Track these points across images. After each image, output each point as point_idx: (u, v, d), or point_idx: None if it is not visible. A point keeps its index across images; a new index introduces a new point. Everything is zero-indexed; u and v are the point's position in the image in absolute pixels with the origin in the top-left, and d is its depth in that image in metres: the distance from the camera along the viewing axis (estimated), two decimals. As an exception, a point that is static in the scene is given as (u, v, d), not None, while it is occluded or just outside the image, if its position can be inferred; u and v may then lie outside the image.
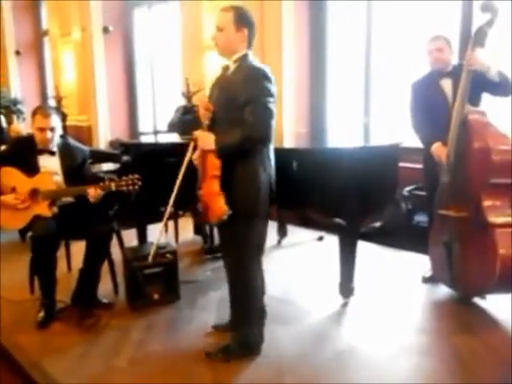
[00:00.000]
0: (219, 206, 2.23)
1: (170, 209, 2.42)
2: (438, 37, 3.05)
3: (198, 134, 2.33)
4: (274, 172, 2.40)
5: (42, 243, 2.76)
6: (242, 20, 2.32)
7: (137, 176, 2.81)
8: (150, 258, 2.39)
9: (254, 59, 2.35)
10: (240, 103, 2.22)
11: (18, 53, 8.75)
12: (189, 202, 3.69)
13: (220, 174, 2.25)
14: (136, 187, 2.80)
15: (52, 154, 2.98)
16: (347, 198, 2.71)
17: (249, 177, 2.29)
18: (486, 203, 2.77)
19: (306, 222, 4.33)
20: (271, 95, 2.24)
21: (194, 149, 2.36)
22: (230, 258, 2.45)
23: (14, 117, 8.22)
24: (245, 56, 2.33)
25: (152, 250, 2.43)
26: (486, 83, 2.86)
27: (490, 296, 2.93)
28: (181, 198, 3.51)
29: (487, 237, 2.74)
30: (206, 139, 2.29)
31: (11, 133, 6.70)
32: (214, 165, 2.26)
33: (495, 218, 2.74)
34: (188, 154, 2.35)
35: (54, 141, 2.96)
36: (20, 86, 8.81)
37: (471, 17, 3.76)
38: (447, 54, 3.05)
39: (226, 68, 2.40)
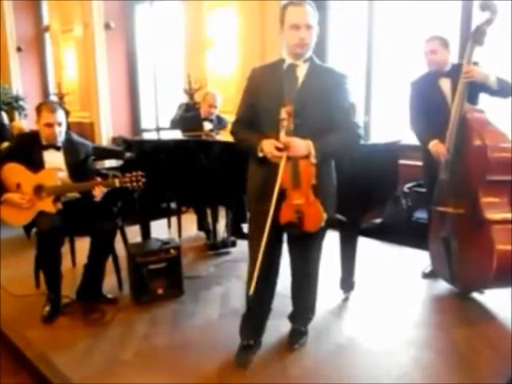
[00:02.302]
0: (319, 214, 2.14)
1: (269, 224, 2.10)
2: (433, 38, 3.03)
3: (288, 140, 2.08)
4: None
5: (47, 239, 2.78)
6: (317, 19, 2.19)
7: (141, 173, 2.82)
8: (252, 291, 2.14)
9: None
10: (336, 107, 2.17)
11: (19, 49, 8.75)
12: (192, 199, 3.76)
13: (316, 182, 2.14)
14: (140, 184, 2.81)
15: (57, 149, 2.99)
16: (348, 195, 2.73)
17: (332, 181, 2.31)
18: (483, 200, 2.80)
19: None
20: None
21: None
22: (312, 259, 2.42)
23: (16, 113, 8.23)
24: (312, 55, 2.23)
25: (253, 282, 2.15)
26: (485, 89, 2.89)
27: (489, 290, 2.96)
28: (184, 195, 3.57)
29: (484, 233, 2.77)
30: (300, 146, 2.09)
31: (13, 129, 6.71)
32: (311, 172, 2.12)
33: (492, 215, 2.77)
34: (282, 165, 2.08)
35: (61, 136, 2.97)
36: (21, 83, 8.82)
37: (471, 16, 3.78)
38: (442, 56, 3.02)
39: (293, 67, 2.19)
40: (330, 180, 2.29)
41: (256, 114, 2.24)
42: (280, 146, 2.08)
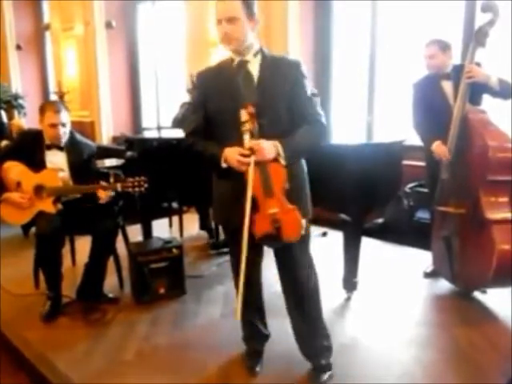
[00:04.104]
0: (297, 221, 1.94)
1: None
2: (431, 42, 3.05)
3: (255, 143, 1.88)
4: None
5: (46, 241, 2.76)
6: (252, 6, 1.97)
7: (143, 178, 2.80)
8: (239, 316, 1.93)
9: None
10: (298, 98, 2.00)
11: (18, 47, 8.71)
12: (194, 198, 3.75)
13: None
14: (142, 189, 2.79)
15: (60, 149, 2.97)
16: (352, 194, 2.74)
17: (305, 181, 2.11)
18: (484, 200, 2.80)
19: (310, 218, 4.36)
20: None
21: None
22: (305, 268, 2.16)
23: (15, 112, 8.21)
24: (261, 48, 2.04)
25: (238, 308, 1.93)
26: (487, 89, 2.90)
27: (491, 290, 2.96)
28: (186, 194, 3.56)
29: (485, 233, 2.77)
30: (268, 148, 1.88)
31: (13, 128, 6.71)
32: (283, 176, 1.92)
33: (493, 215, 2.77)
34: (250, 171, 1.87)
35: (65, 136, 2.95)
36: (21, 81, 8.78)
37: (474, 17, 3.77)
38: (439, 60, 3.04)
39: (243, 63, 2.00)
40: (302, 180, 2.10)
41: (210, 122, 2.04)
42: (246, 152, 1.89)
